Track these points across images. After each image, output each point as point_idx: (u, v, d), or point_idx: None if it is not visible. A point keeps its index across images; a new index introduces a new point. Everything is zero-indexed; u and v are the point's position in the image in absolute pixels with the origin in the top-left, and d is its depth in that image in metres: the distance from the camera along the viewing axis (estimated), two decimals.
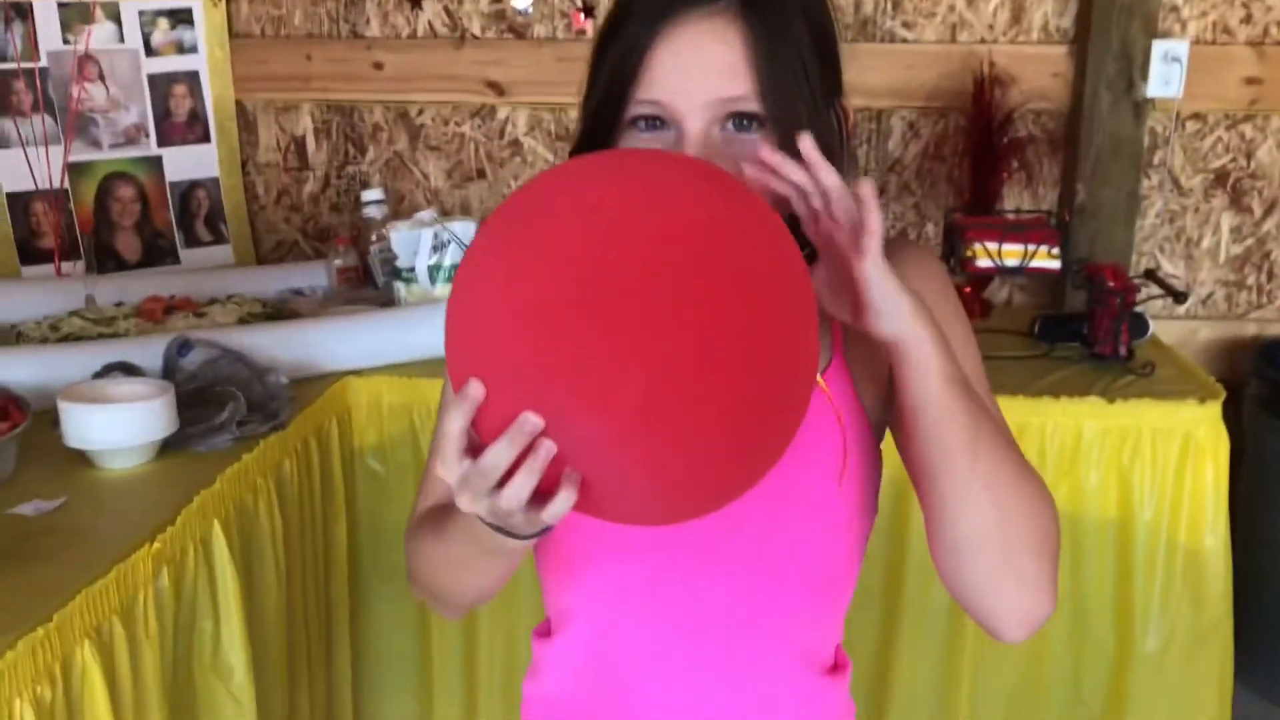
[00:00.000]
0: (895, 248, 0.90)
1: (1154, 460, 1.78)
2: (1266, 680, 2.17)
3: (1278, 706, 2.16)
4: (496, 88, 2.42)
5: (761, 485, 0.74)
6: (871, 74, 2.32)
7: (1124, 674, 1.85)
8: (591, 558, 0.91)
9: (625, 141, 0.86)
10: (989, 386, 0.92)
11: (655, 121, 0.85)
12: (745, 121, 0.84)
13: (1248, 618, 1.91)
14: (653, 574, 0.90)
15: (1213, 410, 1.78)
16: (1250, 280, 2.42)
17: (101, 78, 2.33)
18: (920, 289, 0.83)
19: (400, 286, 2.00)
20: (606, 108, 0.86)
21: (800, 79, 0.85)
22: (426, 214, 2.13)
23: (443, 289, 1.98)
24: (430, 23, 2.43)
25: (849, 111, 0.92)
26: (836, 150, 0.88)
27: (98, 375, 1.62)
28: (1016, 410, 1.79)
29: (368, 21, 2.43)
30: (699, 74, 0.84)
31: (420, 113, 2.47)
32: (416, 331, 1.90)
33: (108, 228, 2.35)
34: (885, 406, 0.92)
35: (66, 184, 2.28)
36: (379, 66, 2.44)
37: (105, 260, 2.31)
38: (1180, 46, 2.23)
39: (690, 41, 0.84)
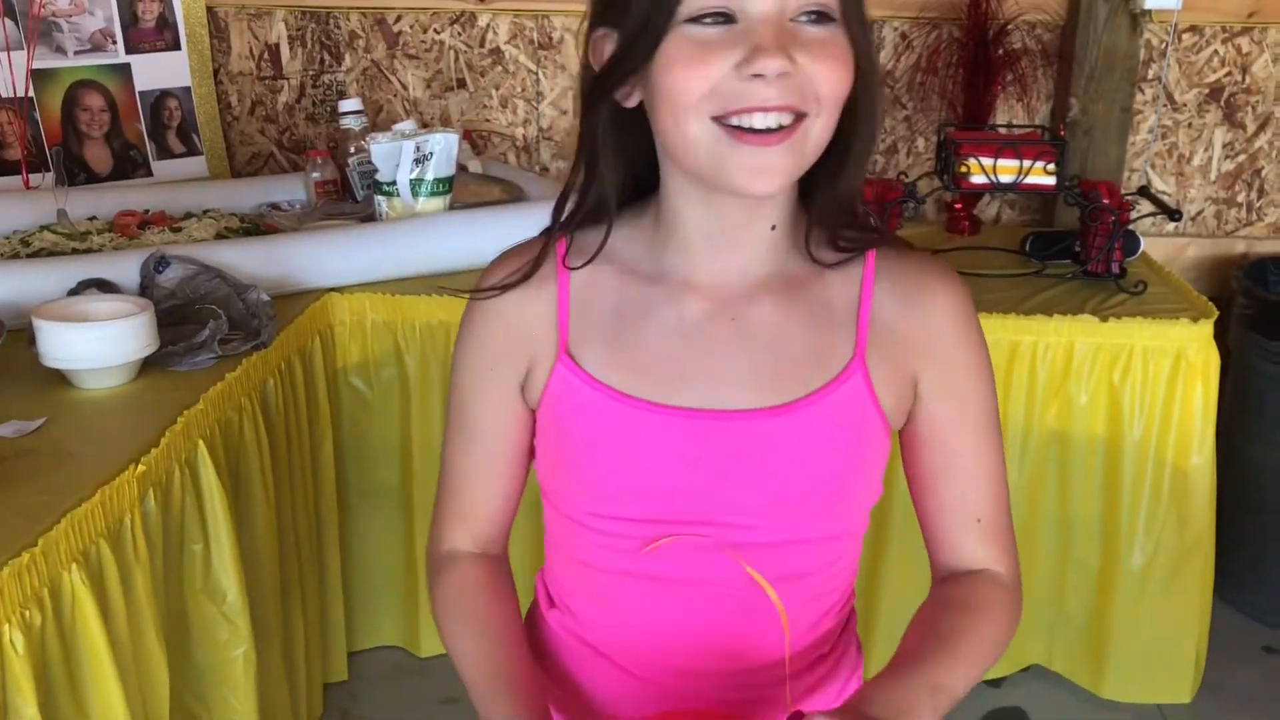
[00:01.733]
0: (922, 272, 0.90)
1: (1144, 379, 1.78)
2: (1242, 594, 2.20)
3: (1253, 620, 2.19)
4: None
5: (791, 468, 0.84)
6: None
7: (1108, 590, 1.87)
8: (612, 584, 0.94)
9: (680, 42, 0.79)
10: (998, 425, 0.93)
11: (718, 17, 0.79)
12: (815, 13, 0.80)
13: (1226, 533, 1.93)
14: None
15: (1205, 329, 1.77)
16: (1240, 197, 2.40)
17: None
18: (948, 336, 0.88)
19: (381, 201, 1.95)
20: (657, 11, 0.80)
21: None
22: (406, 125, 2.08)
23: (424, 203, 1.93)
24: None
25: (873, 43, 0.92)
26: (879, 74, 0.88)
27: (73, 292, 1.58)
28: (1008, 329, 1.78)
29: None
30: None
31: (398, 20, 2.39)
32: (399, 247, 1.86)
33: (76, 139, 2.27)
34: (904, 411, 0.91)
35: (31, 92, 2.20)
36: None
37: (75, 172, 2.24)
38: None
39: None
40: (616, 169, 0.89)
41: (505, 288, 0.91)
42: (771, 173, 0.81)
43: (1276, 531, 2.18)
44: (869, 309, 0.89)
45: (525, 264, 0.92)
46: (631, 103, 0.85)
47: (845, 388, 0.88)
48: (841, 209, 0.88)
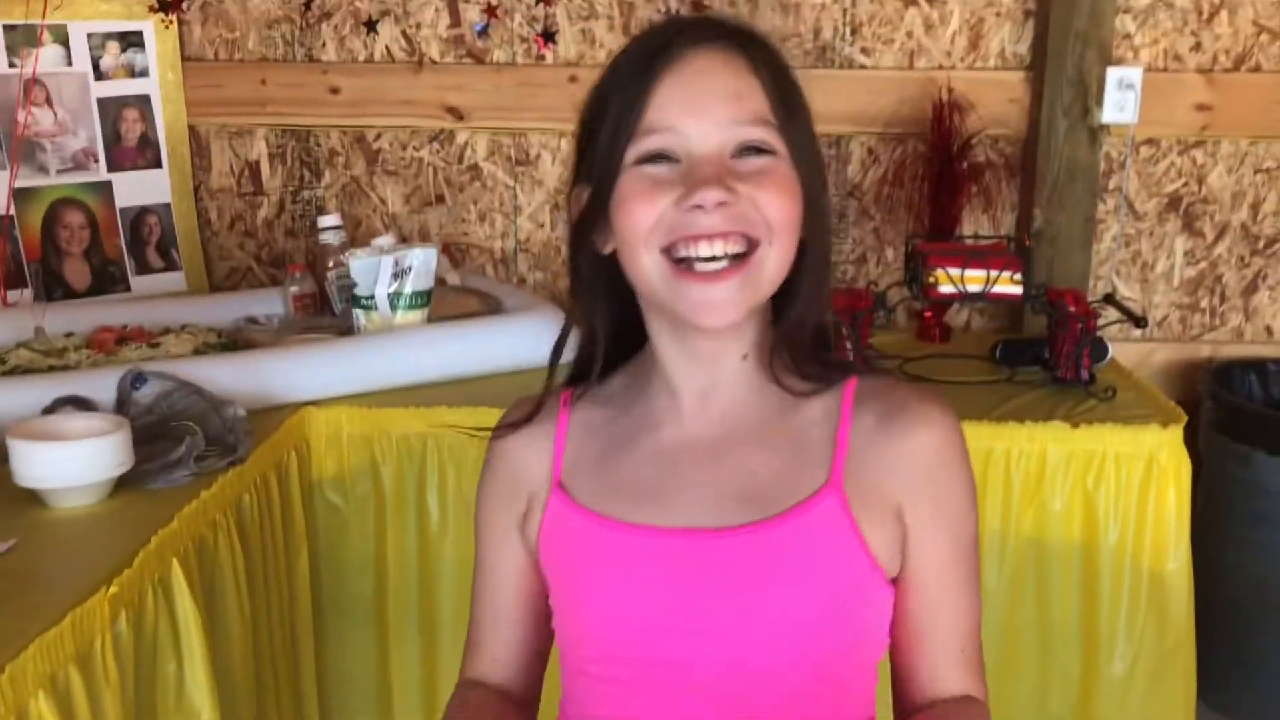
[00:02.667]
0: (908, 400, 0.91)
1: (1117, 485, 1.79)
2: (1225, 699, 2.19)
3: None
4: (455, 112, 2.40)
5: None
6: (831, 100, 2.33)
7: (1090, 697, 1.85)
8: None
9: (630, 181, 0.86)
10: (977, 559, 0.94)
11: (662, 157, 0.85)
12: (754, 147, 0.85)
13: (1206, 638, 1.93)
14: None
15: (1175, 434, 1.79)
16: (1204, 303, 2.45)
17: (49, 101, 2.28)
18: (934, 466, 0.89)
19: (360, 314, 1.97)
20: (610, 157, 0.86)
21: (800, 115, 0.88)
22: (385, 240, 2.11)
23: (403, 316, 1.95)
24: (388, 47, 2.40)
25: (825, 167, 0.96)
26: (828, 201, 0.92)
27: (48, 410, 1.57)
28: (981, 435, 1.79)
29: (324, 45, 2.40)
30: (710, 98, 0.85)
31: (378, 137, 2.44)
32: (377, 360, 1.87)
33: (55, 255, 2.29)
34: (896, 550, 0.90)
35: (12, 210, 2.22)
36: (335, 91, 2.40)
37: (53, 289, 2.25)
38: (1134, 73, 2.27)
39: (698, 68, 0.85)
40: (605, 314, 0.94)
41: (513, 426, 0.97)
42: (720, 307, 0.85)
43: (1255, 634, 2.17)
44: (847, 436, 0.90)
45: (533, 408, 0.98)
46: (609, 248, 0.90)
47: (819, 510, 0.88)
48: (801, 338, 0.91)
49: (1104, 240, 2.40)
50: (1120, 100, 2.27)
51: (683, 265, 0.85)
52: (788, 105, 0.87)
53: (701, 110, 0.84)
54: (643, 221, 0.85)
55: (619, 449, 0.94)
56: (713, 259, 0.84)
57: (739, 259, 0.84)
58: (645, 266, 0.86)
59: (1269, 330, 2.46)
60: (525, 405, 0.99)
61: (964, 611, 0.93)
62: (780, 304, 0.90)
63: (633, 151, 0.85)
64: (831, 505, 0.88)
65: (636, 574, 0.90)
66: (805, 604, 0.88)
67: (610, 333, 0.96)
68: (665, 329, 0.91)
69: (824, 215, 0.91)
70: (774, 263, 0.86)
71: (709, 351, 0.91)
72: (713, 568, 0.88)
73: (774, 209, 0.84)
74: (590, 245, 0.91)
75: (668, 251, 0.85)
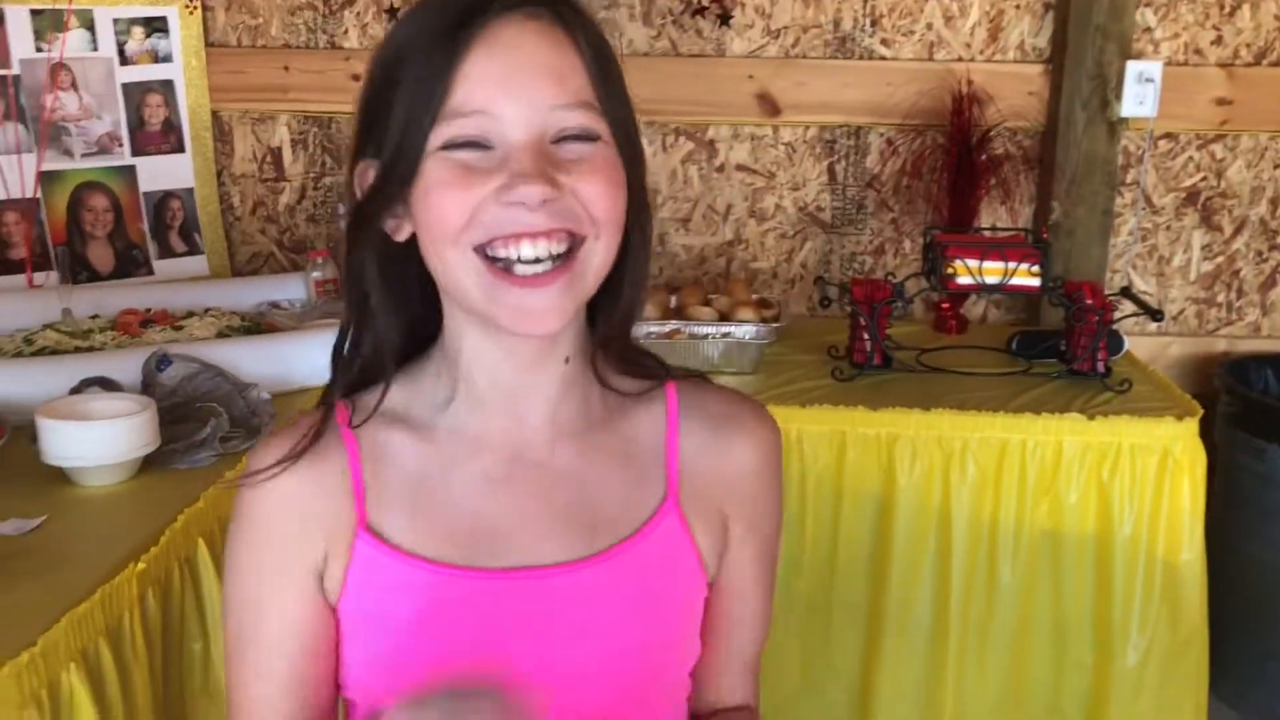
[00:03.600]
0: (732, 409, 0.88)
1: (1132, 477, 1.80)
2: (1238, 691, 2.20)
3: (1249, 718, 2.18)
4: None
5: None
6: (850, 91, 2.34)
7: (1103, 688, 1.86)
8: None
9: (437, 167, 0.74)
10: (776, 565, 0.92)
11: (473, 145, 0.74)
12: (577, 135, 0.75)
13: (1219, 630, 1.94)
14: None
15: (1190, 427, 1.80)
16: (1220, 297, 2.45)
17: (75, 86, 2.30)
18: (756, 478, 0.87)
19: None
20: (410, 137, 0.74)
21: (621, 96, 0.79)
22: None
23: None
24: None
25: (643, 151, 0.84)
26: (646, 185, 0.82)
27: (75, 390, 1.59)
28: (997, 427, 1.80)
29: (346, 32, 2.42)
30: (528, 78, 0.74)
31: None
32: None
33: (80, 238, 2.31)
34: (718, 556, 0.87)
35: (39, 193, 2.25)
36: (357, 78, 2.39)
37: (78, 271, 2.27)
38: (1154, 67, 2.27)
39: (512, 40, 0.74)
40: (392, 313, 0.81)
41: (284, 462, 0.80)
42: (544, 315, 0.75)
43: (1270, 628, 2.18)
44: (677, 447, 0.85)
45: (304, 437, 0.81)
46: (402, 235, 0.79)
47: (660, 531, 0.83)
48: (626, 333, 0.84)
49: (1121, 234, 2.41)
50: (1140, 94, 2.27)
51: (500, 265, 0.74)
52: (608, 81, 0.77)
53: (519, 92, 0.73)
54: (455, 217, 0.74)
55: (432, 477, 0.81)
56: (536, 260, 0.74)
57: (562, 258, 0.75)
58: (455, 266, 0.75)
59: None
60: (286, 437, 0.82)
61: (763, 622, 0.91)
62: (597, 296, 0.80)
63: (438, 135, 0.74)
64: (672, 523, 0.84)
65: (469, 626, 0.80)
66: (653, 630, 0.83)
67: (402, 335, 0.82)
68: (477, 334, 0.79)
69: (645, 199, 0.81)
70: (600, 259, 0.77)
71: (531, 357, 0.80)
72: (555, 610, 0.80)
73: (601, 204, 0.75)
74: (375, 231, 0.79)
75: (481, 250, 0.74)
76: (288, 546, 0.81)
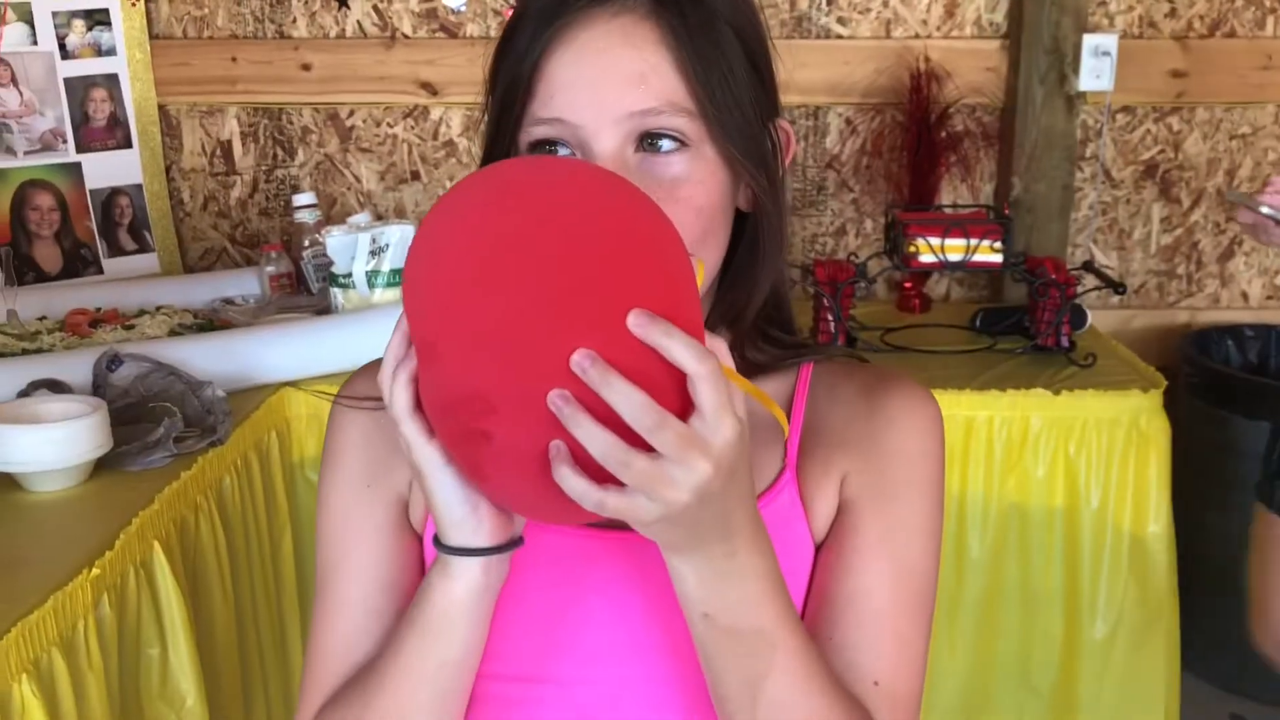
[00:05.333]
0: (880, 378, 0.81)
1: (1098, 450, 1.80)
2: (1208, 662, 2.21)
3: (1220, 690, 2.20)
4: (429, 88, 2.37)
5: None
6: (807, 71, 2.32)
7: (1072, 661, 1.87)
8: None
9: None
10: (931, 595, 0.78)
11: (555, 146, 0.72)
12: (662, 141, 0.71)
13: (1190, 604, 1.95)
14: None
15: (1155, 399, 1.80)
16: (1180, 269, 2.46)
17: (14, 81, 2.24)
18: (892, 440, 0.77)
19: (337, 293, 1.95)
20: (502, 131, 0.74)
21: (729, 89, 0.72)
22: (361, 218, 2.08)
23: (381, 294, 1.93)
24: (359, 23, 2.37)
25: (790, 136, 0.79)
26: (775, 180, 0.77)
27: (23, 394, 1.55)
28: (963, 404, 1.80)
29: (294, 21, 2.37)
30: (605, 84, 0.70)
31: (351, 114, 2.41)
32: (355, 338, 1.85)
33: (26, 238, 2.26)
34: (827, 522, 0.79)
35: None
36: (307, 68, 2.37)
37: (24, 272, 2.22)
38: (1109, 40, 2.27)
39: (591, 45, 0.70)
40: None
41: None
42: None
43: (1237, 598, 2.19)
44: (802, 414, 0.80)
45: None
46: None
47: (777, 504, 0.77)
48: (744, 315, 0.79)
49: (1081, 208, 2.41)
50: (1096, 68, 2.27)
51: None
52: (713, 76, 0.71)
53: (595, 100, 0.70)
54: None
55: None
56: None
57: None
58: None
59: (1245, 296, 2.48)
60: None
61: (882, 629, 0.76)
62: (726, 278, 0.78)
63: (526, 136, 0.73)
64: (790, 496, 0.78)
65: (562, 580, 0.76)
66: None
67: None
68: None
69: (772, 202, 0.76)
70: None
71: None
72: (651, 577, 0.74)
73: (685, 228, 0.67)
74: None
75: None
76: (376, 469, 0.80)
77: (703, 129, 0.71)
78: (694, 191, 0.72)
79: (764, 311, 0.80)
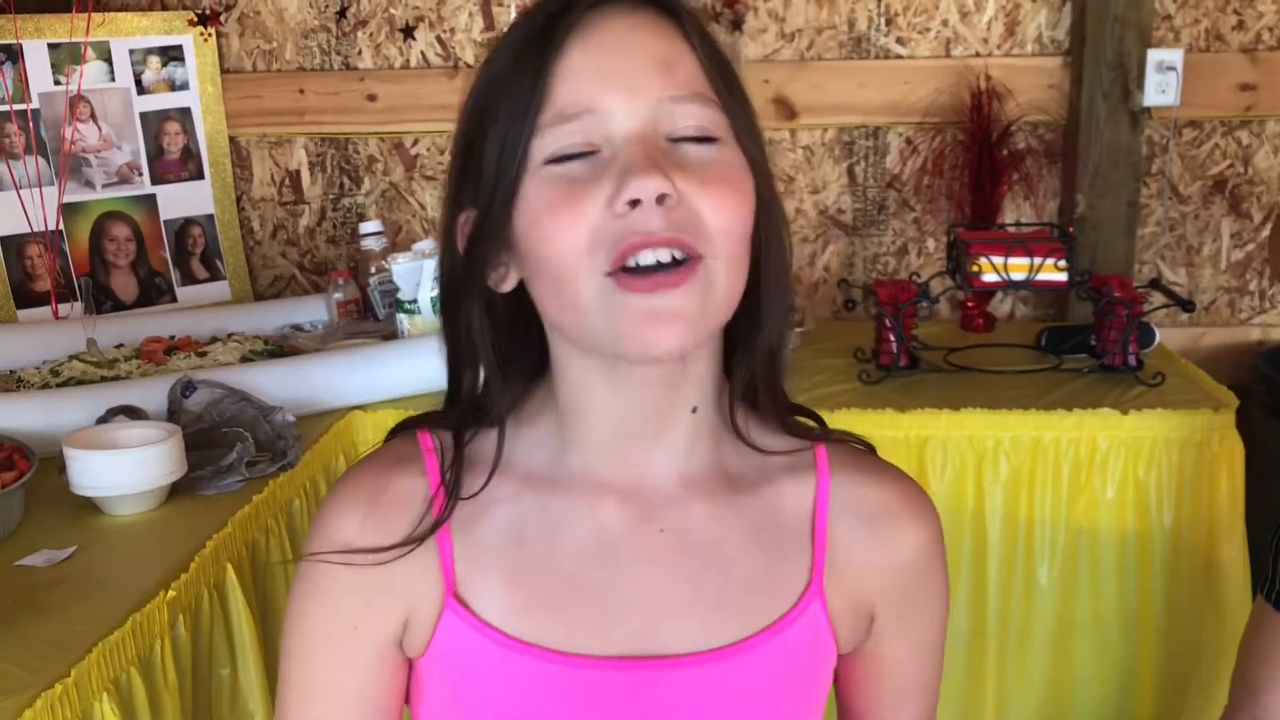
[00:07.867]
0: (891, 494, 0.77)
1: (1169, 471, 1.77)
2: None
3: None
4: None
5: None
6: (867, 91, 2.32)
7: (1147, 691, 1.83)
8: None
9: (540, 188, 0.65)
10: (943, 647, 0.83)
11: (579, 155, 0.65)
12: (695, 138, 0.66)
13: None
14: None
15: (1226, 418, 1.77)
16: (1252, 285, 2.42)
17: (94, 117, 2.31)
18: (913, 573, 0.77)
19: (403, 319, 1.98)
20: (508, 153, 0.66)
21: (739, 91, 0.69)
22: (426, 244, 2.12)
23: None
24: (423, 53, 2.42)
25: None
26: (780, 200, 0.73)
27: (101, 420, 1.59)
28: (1029, 425, 1.78)
29: (360, 53, 2.42)
30: (633, 67, 0.65)
31: (415, 143, 2.46)
32: (421, 363, 1.88)
33: (103, 268, 2.33)
34: (855, 642, 0.78)
35: (61, 225, 2.26)
36: (372, 98, 2.42)
37: (102, 301, 2.29)
38: (1174, 55, 2.24)
39: (614, 32, 0.66)
40: (503, 366, 0.73)
41: (366, 553, 0.70)
42: (671, 319, 0.63)
43: None
44: (825, 524, 0.74)
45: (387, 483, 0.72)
46: (508, 285, 0.71)
47: (804, 620, 0.73)
48: (772, 378, 0.74)
49: (1148, 225, 2.37)
50: (1161, 82, 2.24)
51: (622, 277, 0.64)
52: (724, 75, 0.68)
53: (624, 82, 0.65)
54: (574, 239, 0.64)
55: (540, 539, 0.71)
56: (658, 265, 0.64)
57: (685, 265, 0.64)
58: (583, 298, 0.64)
59: None
60: (370, 480, 0.73)
61: (920, 708, 0.83)
62: (730, 337, 0.71)
63: (541, 147, 0.65)
64: (816, 612, 0.73)
65: (586, 717, 0.70)
66: None
67: (516, 388, 0.74)
68: (598, 375, 0.69)
69: (778, 214, 0.71)
70: (724, 281, 0.65)
71: (656, 402, 0.69)
72: (681, 710, 0.70)
73: (721, 217, 0.64)
74: (479, 286, 0.70)
75: (612, 274, 0.64)
76: (359, 614, 0.72)
77: (726, 124, 0.68)
78: (731, 176, 0.67)
79: (766, 365, 0.73)
